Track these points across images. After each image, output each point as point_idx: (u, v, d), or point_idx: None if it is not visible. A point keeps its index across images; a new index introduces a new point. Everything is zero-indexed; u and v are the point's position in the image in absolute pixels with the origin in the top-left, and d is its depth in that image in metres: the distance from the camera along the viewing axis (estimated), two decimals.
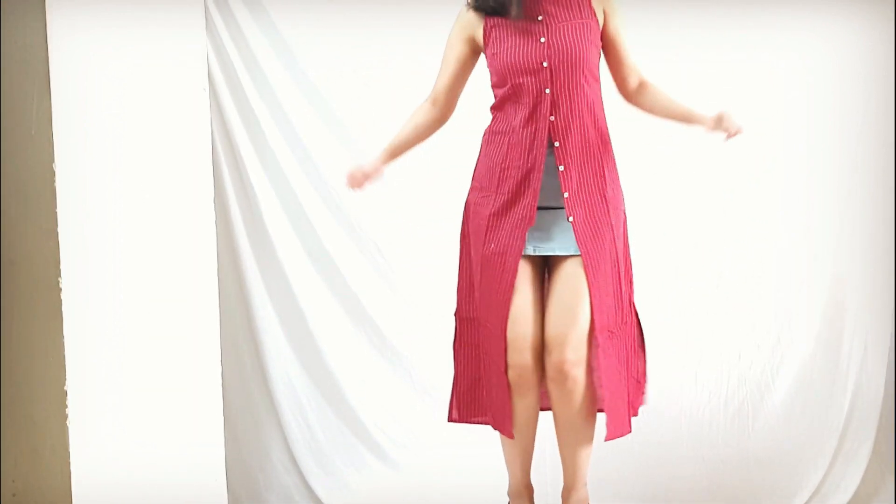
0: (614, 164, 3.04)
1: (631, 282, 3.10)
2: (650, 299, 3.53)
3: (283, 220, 4.11)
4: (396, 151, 3.20)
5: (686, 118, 3.03)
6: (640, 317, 3.14)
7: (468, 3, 3.03)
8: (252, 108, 4.04)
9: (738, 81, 4.02)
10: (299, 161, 4.09)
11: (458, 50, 3.09)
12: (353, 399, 4.17)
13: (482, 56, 3.09)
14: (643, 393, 3.15)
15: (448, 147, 3.54)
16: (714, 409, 4.10)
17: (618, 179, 3.04)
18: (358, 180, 3.13)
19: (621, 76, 3.12)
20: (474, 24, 3.03)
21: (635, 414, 3.09)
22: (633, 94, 3.13)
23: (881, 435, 4.06)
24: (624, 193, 3.08)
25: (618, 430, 2.95)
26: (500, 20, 2.98)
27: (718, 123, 2.90)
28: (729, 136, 2.90)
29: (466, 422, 3.18)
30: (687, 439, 4.07)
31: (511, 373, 2.92)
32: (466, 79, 3.16)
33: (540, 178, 2.91)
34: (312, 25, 4.06)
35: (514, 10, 2.93)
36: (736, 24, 4.00)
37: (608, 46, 3.06)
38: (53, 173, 2.92)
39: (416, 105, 3.28)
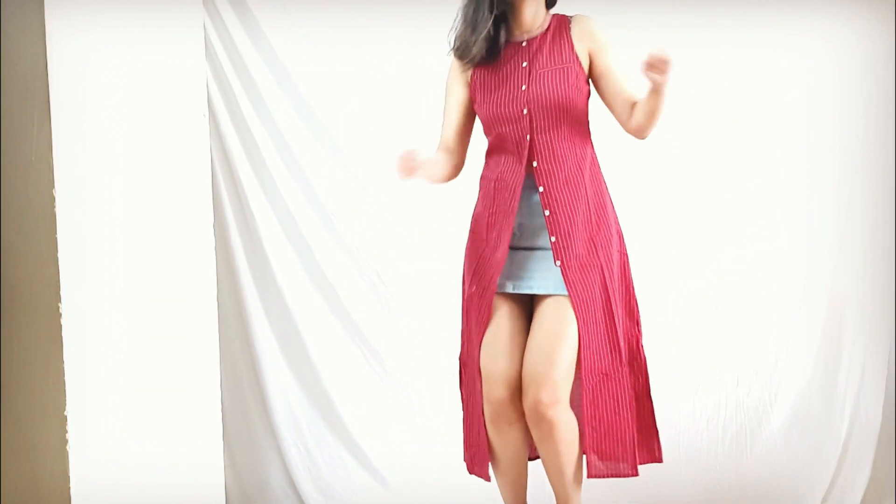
0: (608, 205, 3.00)
1: (638, 323, 3.05)
2: (647, 321, 3.52)
3: (283, 245, 4.12)
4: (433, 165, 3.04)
5: (649, 99, 2.78)
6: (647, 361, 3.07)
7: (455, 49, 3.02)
8: (252, 134, 4.05)
9: (738, 81, 4.04)
10: (300, 187, 4.10)
11: (458, 94, 3.07)
12: (353, 425, 4.17)
13: None
14: (657, 437, 3.07)
15: None
16: (712, 434, 4.10)
17: (612, 220, 3.00)
18: (409, 168, 2.80)
19: (620, 108, 2.95)
20: (466, 69, 3.03)
21: (644, 460, 3.02)
22: (630, 125, 2.95)
23: (879, 460, 4.05)
24: (622, 233, 3.05)
25: (605, 470, 2.91)
26: (486, 68, 2.98)
27: (652, 70, 2.62)
28: (664, 69, 2.60)
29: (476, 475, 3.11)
30: (685, 464, 4.06)
31: (487, 408, 2.88)
32: (473, 123, 3.11)
33: (512, 223, 2.89)
34: (308, 44, 4.08)
35: (475, 49, 2.93)
36: (736, 24, 4.02)
37: (600, 82, 2.98)
38: (53, 199, 2.92)
39: (412, 125, 3.28)
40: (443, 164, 3.05)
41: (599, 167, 3.02)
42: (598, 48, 2.96)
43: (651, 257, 3.89)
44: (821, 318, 4.11)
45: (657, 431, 3.05)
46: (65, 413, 2.94)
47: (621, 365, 2.93)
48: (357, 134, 4.08)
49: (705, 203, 4.12)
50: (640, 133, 2.92)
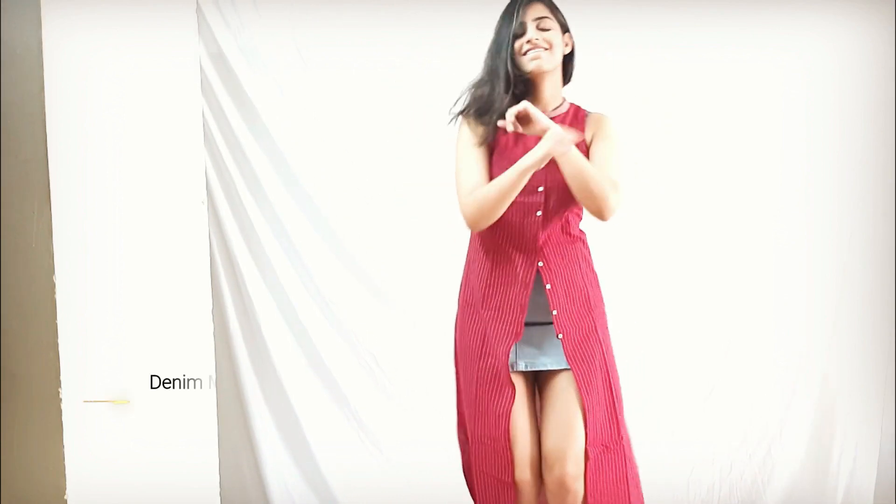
0: (594, 273, 3.03)
1: (619, 397, 3.04)
2: (643, 405, 3.53)
3: (281, 331, 4.13)
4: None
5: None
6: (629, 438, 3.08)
7: (467, 114, 2.99)
8: (251, 221, 4.08)
9: (738, 81, 4.06)
10: (298, 274, 4.13)
11: (479, 153, 2.96)
12: None
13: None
14: None
15: (445, 258, 3.57)
16: None
17: (598, 287, 3.02)
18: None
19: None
20: (488, 133, 2.95)
21: None
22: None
23: None
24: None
25: None
26: (504, 137, 2.94)
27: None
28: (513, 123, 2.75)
29: None
30: None
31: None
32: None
33: (528, 295, 2.91)
34: (306, 130, 4.11)
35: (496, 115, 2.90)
36: (736, 24, 4.03)
37: None
38: (54, 285, 2.95)
39: (408, 213, 3.30)
40: None
41: (581, 231, 3.04)
42: (601, 135, 2.97)
43: (643, 338, 3.91)
44: (813, 403, 4.14)
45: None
46: (65, 497, 2.93)
47: (619, 438, 2.94)
48: (354, 221, 4.12)
49: (702, 223, 4.13)
50: (597, 211, 2.85)
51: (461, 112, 2.99)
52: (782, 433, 4.11)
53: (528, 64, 2.89)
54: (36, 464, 3.00)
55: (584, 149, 2.95)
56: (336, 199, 4.11)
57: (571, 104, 3.03)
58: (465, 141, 2.97)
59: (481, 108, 2.93)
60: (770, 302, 4.14)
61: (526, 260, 2.92)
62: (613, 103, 3.17)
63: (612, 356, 3.00)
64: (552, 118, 2.91)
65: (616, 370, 3.00)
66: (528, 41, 2.88)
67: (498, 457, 2.92)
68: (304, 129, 4.10)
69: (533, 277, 2.91)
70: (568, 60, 3.03)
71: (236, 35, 4.05)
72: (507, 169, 2.82)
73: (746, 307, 4.13)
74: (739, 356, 4.12)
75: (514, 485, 2.92)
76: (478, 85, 2.97)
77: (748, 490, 4.09)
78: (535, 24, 2.89)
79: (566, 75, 3.05)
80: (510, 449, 2.90)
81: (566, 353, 2.88)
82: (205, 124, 4.02)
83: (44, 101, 2.95)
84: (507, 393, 2.90)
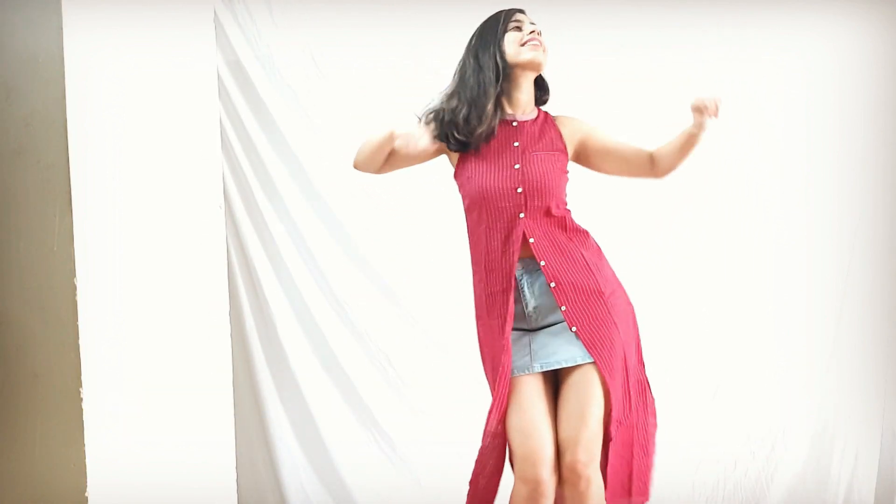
0: (603, 259, 3.06)
1: (642, 361, 3.11)
2: None
3: (296, 332, 4.18)
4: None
5: (686, 142, 2.96)
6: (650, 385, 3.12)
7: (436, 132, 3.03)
8: (267, 225, 4.14)
9: (739, 81, 4.07)
10: (313, 276, 4.17)
11: (425, 141, 2.95)
12: None
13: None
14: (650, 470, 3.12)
15: (456, 260, 3.60)
16: None
17: (611, 272, 3.06)
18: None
19: (635, 164, 3.08)
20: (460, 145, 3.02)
21: (636, 494, 3.07)
22: (655, 170, 3.07)
23: None
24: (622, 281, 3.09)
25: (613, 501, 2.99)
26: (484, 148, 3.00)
27: (700, 113, 2.85)
28: (715, 112, 2.84)
29: None
30: None
31: (523, 489, 2.91)
32: (408, 165, 3.12)
33: (511, 302, 2.93)
34: (320, 136, 4.16)
35: (476, 144, 2.97)
36: (736, 24, 4.05)
37: (607, 154, 3.08)
38: (75, 288, 2.99)
39: (424, 217, 3.29)
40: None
41: (579, 226, 3.06)
42: (590, 130, 3.08)
43: (648, 339, 3.93)
44: (815, 403, 4.15)
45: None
46: (86, 493, 2.98)
47: (630, 411, 2.99)
48: (367, 224, 4.16)
49: (704, 224, 4.15)
50: (667, 173, 3.05)
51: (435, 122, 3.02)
52: (785, 432, 4.13)
53: (527, 53, 2.96)
54: (57, 462, 3.03)
55: (563, 147, 3.03)
56: (350, 202, 4.16)
57: (539, 110, 3.10)
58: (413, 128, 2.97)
59: (467, 126, 2.96)
60: (772, 302, 4.16)
61: (513, 263, 2.94)
62: (613, 103, 3.20)
63: (633, 335, 3.04)
64: (522, 122, 3.03)
65: (637, 343, 3.05)
66: (530, 32, 2.97)
67: (497, 454, 2.97)
68: (319, 134, 4.14)
69: (514, 281, 2.94)
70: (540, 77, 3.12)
71: (253, 43, 4.10)
72: (484, 178, 2.96)
73: (749, 308, 4.15)
74: (743, 357, 4.14)
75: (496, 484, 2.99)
76: (461, 90, 3.01)
77: (752, 488, 4.12)
78: (528, 25, 2.99)
79: (539, 90, 3.12)
80: (506, 447, 2.95)
81: (584, 343, 2.90)
82: (222, 130, 4.07)
83: (65, 108, 2.98)
84: (502, 405, 2.92)
